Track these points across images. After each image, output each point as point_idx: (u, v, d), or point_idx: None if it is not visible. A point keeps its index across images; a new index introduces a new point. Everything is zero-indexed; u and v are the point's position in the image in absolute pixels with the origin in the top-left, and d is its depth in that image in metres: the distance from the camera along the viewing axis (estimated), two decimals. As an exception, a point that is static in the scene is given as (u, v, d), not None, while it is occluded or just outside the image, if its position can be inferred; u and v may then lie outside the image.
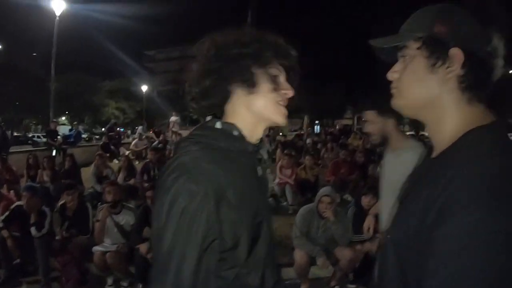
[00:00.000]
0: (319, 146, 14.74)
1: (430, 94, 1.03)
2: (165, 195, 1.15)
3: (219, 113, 1.37)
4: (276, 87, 1.30)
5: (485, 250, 0.78)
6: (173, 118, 19.53)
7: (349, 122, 49.60)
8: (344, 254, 4.67)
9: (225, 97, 1.34)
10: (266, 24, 1.61)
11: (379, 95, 2.73)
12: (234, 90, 1.32)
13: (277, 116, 1.34)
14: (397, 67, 1.09)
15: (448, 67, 0.99)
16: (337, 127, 28.82)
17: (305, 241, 4.76)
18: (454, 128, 1.00)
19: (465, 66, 0.97)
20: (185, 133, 20.05)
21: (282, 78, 1.34)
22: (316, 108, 41.90)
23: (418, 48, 1.02)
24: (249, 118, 1.32)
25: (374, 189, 4.98)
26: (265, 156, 15.24)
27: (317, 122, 50.56)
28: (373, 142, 3.03)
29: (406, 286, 0.98)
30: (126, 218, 5.11)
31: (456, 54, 0.97)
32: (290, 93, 1.35)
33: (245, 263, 1.26)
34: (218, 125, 1.30)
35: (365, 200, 5.14)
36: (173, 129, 19.04)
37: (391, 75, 1.10)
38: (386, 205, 2.80)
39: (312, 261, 4.75)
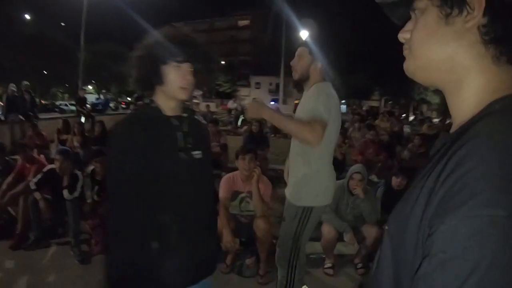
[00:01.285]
0: (346, 125, 14.52)
1: (446, 51, 0.83)
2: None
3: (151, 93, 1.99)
4: (175, 77, 1.88)
5: (492, 250, 0.62)
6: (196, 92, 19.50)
7: (375, 104, 49.13)
8: (371, 232, 4.68)
9: (150, 84, 1.96)
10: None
11: None
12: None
13: (180, 95, 1.92)
14: (408, 26, 0.91)
15: (466, 15, 0.79)
16: (364, 107, 28.50)
17: (334, 216, 4.75)
18: (477, 94, 0.81)
19: (489, 12, 0.77)
20: (203, 105, 20.27)
21: (181, 71, 1.89)
22: (343, 88, 41.59)
23: None
24: (163, 97, 1.94)
25: (404, 170, 5.26)
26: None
27: (343, 101, 50.26)
28: (293, 78, 3.10)
29: (398, 283, 0.85)
30: None
31: None
32: (186, 81, 1.90)
33: (155, 201, 1.86)
34: (146, 100, 2.01)
35: (395, 181, 5.25)
36: (195, 100, 19.07)
37: (402, 35, 0.93)
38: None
39: (339, 237, 4.76)
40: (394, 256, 0.87)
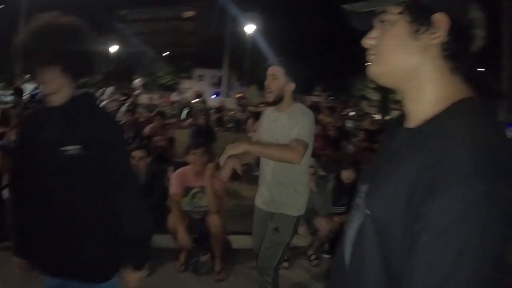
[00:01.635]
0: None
1: (412, 61, 0.99)
2: None
3: None
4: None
5: (485, 218, 0.79)
6: (136, 81, 19.11)
7: (317, 99, 50.18)
8: (323, 224, 4.88)
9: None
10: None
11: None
12: None
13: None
14: (374, 33, 1.04)
15: (432, 33, 0.95)
16: (307, 103, 29.02)
17: None
18: (436, 97, 0.98)
19: (450, 33, 0.95)
20: (145, 97, 19.91)
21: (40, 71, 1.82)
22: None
23: (400, 13, 0.98)
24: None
25: (354, 164, 5.47)
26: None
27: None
28: (267, 99, 3.09)
29: (387, 266, 0.96)
30: None
31: (441, 19, 0.94)
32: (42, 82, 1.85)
33: None
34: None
35: (345, 174, 5.38)
36: (135, 92, 18.67)
37: (368, 41, 1.06)
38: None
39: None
40: (381, 238, 0.97)
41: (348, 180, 5.34)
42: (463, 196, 0.79)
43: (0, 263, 4.32)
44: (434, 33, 0.95)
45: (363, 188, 1.12)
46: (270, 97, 3.01)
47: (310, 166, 4.78)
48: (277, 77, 2.97)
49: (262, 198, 3.20)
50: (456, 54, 0.96)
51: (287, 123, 2.92)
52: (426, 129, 0.95)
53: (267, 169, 3.10)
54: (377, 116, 34.95)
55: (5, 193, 4.59)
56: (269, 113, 3.20)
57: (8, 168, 4.71)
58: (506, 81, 16.05)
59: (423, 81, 0.99)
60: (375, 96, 50.29)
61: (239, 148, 2.54)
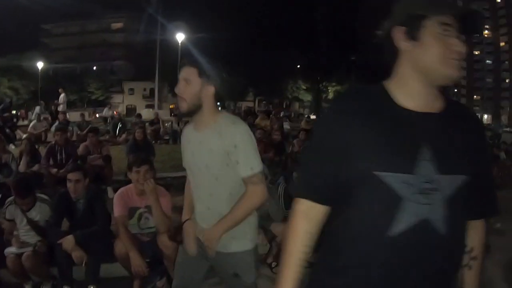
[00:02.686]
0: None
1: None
2: None
3: None
4: None
5: None
6: (60, 97, 18.37)
7: (250, 104, 50.73)
8: (280, 230, 4.66)
9: None
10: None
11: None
12: None
13: None
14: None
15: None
16: (242, 108, 29.21)
17: None
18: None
19: None
20: (76, 114, 19.19)
21: None
22: (219, 89, 42.24)
23: None
24: None
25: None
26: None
27: (218, 103, 51.04)
28: (181, 110, 2.43)
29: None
30: (41, 213, 4.36)
31: None
32: None
33: None
34: None
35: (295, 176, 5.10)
36: (59, 109, 17.91)
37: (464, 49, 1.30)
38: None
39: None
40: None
41: None
42: None
43: None
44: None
45: (423, 166, 1.24)
46: (184, 107, 2.37)
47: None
48: (191, 81, 2.34)
49: (200, 232, 2.52)
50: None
51: (218, 145, 2.30)
52: (447, 113, 1.35)
53: (201, 205, 2.49)
54: (312, 116, 35.72)
55: None
56: (188, 133, 2.55)
57: None
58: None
59: None
60: (307, 97, 51.47)
61: (217, 238, 2.31)
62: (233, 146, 2.26)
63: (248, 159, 2.28)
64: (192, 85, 2.34)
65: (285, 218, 4.87)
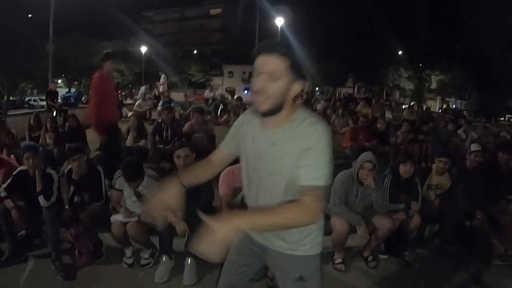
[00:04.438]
0: (328, 111, 14.28)
1: None
2: None
3: None
4: None
5: None
6: (161, 80, 19.02)
7: (349, 90, 49.81)
8: (383, 223, 4.51)
9: None
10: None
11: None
12: None
13: None
14: None
15: None
16: (343, 94, 28.60)
17: (345, 209, 4.48)
18: None
19: None
20: (179, 95, 19.71)
21: None
22: (317, 76, 41.91)
23: None
24: None
25: (411, 157, 5.18)
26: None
27: (317, 89, 50.66)
28: (259, 109, 1.88)
29: None
30: (148, 186, 4.44)
31: None
32: None
33: None
34: None
35: (404, 169, 4.99)
36: (160, 90, 18.51)
37: None
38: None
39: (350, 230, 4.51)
40: None
41: (406, 174, 4.94)
42: None
43: (39, 272, 4.21)
44: None
45: None
46: (265, 105, 1.85)
47: (368, 161, 4.47)
48: (278, 76, 1.81)
49: (260, 233, 2.20)
50: None
51: (291, 147, 1.86)
52: None
53: (268, 198, 2.04)
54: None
55: (41, 199, 4.31)
56: (253, 128, 2.07)
57: (40, 169, 4.48)
58: None
59: None
60: (409, 85, 49.33)
61: (227, 229, 1.56)
62: (306, 149, 1.80)
63: (315, 167, 1.79)
64: (279, 81, 1.82)
65: (388, 212, 4.68)
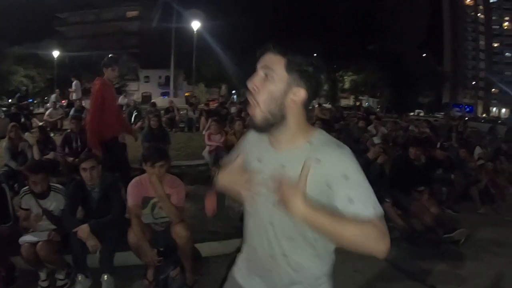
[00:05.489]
0: (243, 114, 14.57)
1: None
2: None
3: None
4: None
5: None
6: (73, 84, 18.38)
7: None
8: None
9: None
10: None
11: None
12: None
13: None
14: None
15: None
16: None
17: None
18: None
19: None
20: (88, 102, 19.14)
21: None
22: (234, 78, 42.33)
23: None
24: None
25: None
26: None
27: (233, 91, 51.12)
28: (253, 119, 1.61)
29: None
30: (56, 202, 4.38)
31: None
32: None
33: None
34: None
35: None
36: (72, 97, 17.95)
37: None
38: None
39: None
40: None
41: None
42: None
43: None
44: None
45: None
46: (257, 116, 1.59)
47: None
48: (272, 74, 1.56)
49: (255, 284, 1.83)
50: None
51: (315, 174, 1.50)
52: None
53: (270, 250, 1.70)
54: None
55: None
56: (260, 148, 1.73)
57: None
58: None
59: None
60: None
61: (300, 208, 1.41)
62: (342, 176, 1.49)
63: (367, 196, 1.50)
64: (273, 80, 1.56)
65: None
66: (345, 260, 3.88)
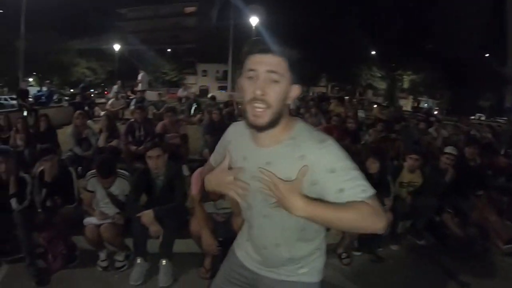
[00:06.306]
0: (301, 111, 14.38)
1: None
2: None
3: None
4: None
5: None
6: (139, 77, 18.67)
7: (323, 90, 50.13)
8: None
9: None
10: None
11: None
12: None
13: None
14: None
15: None
16: (316, 93, 28.77)
17: None
18: None
19: None
20: (153, 94, 19.47)
21: None
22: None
23: None
24: None
25: (379, 154, 5.32)
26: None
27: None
28: (259, 122, 1.60)
29: None
30: (121, 187, 4.47)
31: None
32: None
33: None
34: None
35: (368, 164, 5.08)
36: (138, 88, 18.24)
37: None
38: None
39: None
40: None
41: (371, 170, 5.00)
42: None
43: (12, 277, 4.13)
44: None
45: None
46: (265, 117, 1.58)
47: None
48: (279, 77, 1.56)
49: (252, 259, 1.98)
50: None
51: (295, 169, 1.57)
52: None
53: (267, 225, 1.81)
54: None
55: (14, 203, 4.22)
56: (243, 144, 1.78)
57: (13, 173, 4.39)
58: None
59: None
60: (381, 85, 49.98)
61: (297, 204, 1.50)
62: (327, 171, 1.55)
63: (355, 181, 1.55)
64: (281, 82, 1.57)
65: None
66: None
